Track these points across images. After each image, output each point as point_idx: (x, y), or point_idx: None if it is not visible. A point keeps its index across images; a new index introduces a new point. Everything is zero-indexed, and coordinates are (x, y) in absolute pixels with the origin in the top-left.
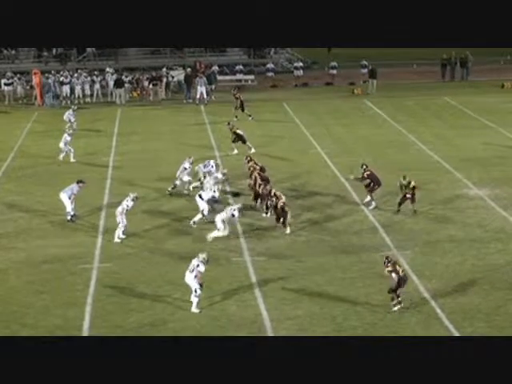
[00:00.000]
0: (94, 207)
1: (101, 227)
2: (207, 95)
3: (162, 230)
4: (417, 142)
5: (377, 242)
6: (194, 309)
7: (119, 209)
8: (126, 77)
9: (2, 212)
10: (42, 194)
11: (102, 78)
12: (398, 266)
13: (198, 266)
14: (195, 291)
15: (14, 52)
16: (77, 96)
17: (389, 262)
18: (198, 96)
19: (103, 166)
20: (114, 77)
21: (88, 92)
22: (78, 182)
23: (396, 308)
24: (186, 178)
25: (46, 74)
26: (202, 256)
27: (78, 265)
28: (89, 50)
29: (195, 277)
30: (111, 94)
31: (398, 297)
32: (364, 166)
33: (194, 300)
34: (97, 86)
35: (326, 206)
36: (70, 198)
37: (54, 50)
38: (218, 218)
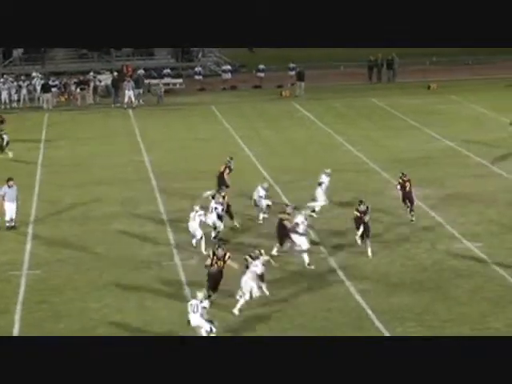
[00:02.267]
0: (22, 213)
1: (29, 234)
2: (135, 99)
3: (91, 235)
4: (345, 143)
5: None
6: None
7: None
8: (53, 81)
9: None
10: None
11: (29, 83)
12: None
13: (201, 302)
14: (210, 330)
15: None
16: (3, 101)
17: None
18: (126, 100)
19: (31, 172)
20: (41, 81)
21: (14, 97)
22: (7, 181)
23: None
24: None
25: None
26: (200, 295)
27: (7, 271)
28: (15, 54)
29: (201, 315)
30: (38, 99)
31: None
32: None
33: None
34: (23, 91)
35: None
36: (4, 199)
37: None
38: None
